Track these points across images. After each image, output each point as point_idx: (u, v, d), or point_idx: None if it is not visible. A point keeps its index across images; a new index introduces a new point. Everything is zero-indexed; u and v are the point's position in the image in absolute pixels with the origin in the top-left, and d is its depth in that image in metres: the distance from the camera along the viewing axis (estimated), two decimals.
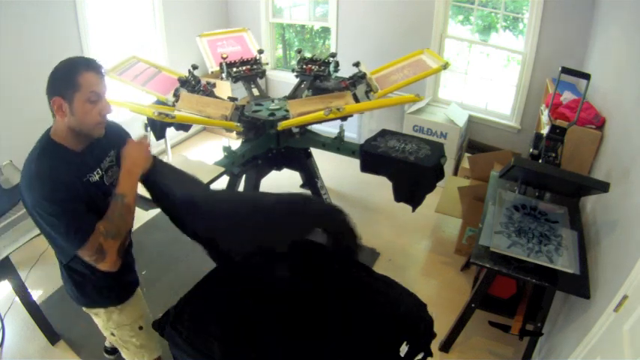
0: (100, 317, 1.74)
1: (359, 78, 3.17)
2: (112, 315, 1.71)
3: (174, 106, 3.00)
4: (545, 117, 2.79)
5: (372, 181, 3.09)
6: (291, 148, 3.22)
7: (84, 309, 1.75)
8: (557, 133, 2.41)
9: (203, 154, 4.59)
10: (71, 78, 1.31)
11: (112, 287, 1.64)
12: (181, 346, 1.79)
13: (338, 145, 3.06)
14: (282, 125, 2.83)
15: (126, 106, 2.69)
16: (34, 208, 1.32)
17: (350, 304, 1.93)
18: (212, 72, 3.43)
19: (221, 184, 3.77)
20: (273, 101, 3.18)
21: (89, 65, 1.34)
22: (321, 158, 3.51)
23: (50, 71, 1.35)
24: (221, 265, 1.68)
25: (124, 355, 1.93)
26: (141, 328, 1.82)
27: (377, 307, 1.92)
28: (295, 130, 3.08)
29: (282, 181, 3.95)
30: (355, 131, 4.58)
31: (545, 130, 2.57)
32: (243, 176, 3.31)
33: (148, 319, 1.81)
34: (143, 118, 3.22)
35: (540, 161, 2.39)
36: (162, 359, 1.95)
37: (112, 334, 1.80)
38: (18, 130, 3.26)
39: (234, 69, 3.32)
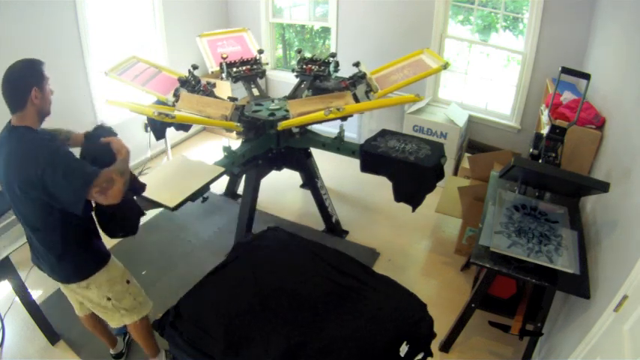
0: (93, 287, 1.89)
1: (359, 78, 3.17)
2: (103, 276, 1.89)
3: (174, 106, 3.00)
4: (545, 117, 2.79)
5: (372, 181, 3.09)
6: (291, 148, 3.22)
7: (76, 288, 1.89)
8: (557, 133, 2.41)
9: (203, 154, 4.59)
10: (41, 72, 1.66)
11: (99, 249, 1.91)
12: (181, 346, 1.80)
13: (338, 145, 3.05)
14: (282, 125, 2.83)
15: (126, 106, 2.69)
16: (50, 163, 1.56)
17: (350, 304, 1.94)
18: (212, 72, 3.43)
19: (221, 184, 3.78)
20: (273, 101, 3.18)
21: (42, 62, 1.69)
22: (321, 158, 3.51)
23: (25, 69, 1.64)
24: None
25: (115, 322, 2.05)
26: (128, 282, 2.02)
27: (377, 307, 1.92)
28: (295, 130, 3.08)
29: (282, 181, 3.96)
30: (355, 131, 4.58)
31: (545, 130, 2.57)
32: (243, 176, 3.31)
33: (129, 274, 2.04)
34: (143, 118, 3.22)
35: (540, 161, 2.39)
36: (149, 318, 2.14)
37: (108, 299, 1.94)
38: None
39: (234, 69, 3.32)
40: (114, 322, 2.05)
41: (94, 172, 1.61)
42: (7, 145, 1.65)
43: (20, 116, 1.65)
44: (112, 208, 1.73)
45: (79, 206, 1.60)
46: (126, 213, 1.91)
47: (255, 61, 3.42)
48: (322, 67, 3.23)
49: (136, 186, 1.91)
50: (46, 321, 2.50)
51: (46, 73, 1.67)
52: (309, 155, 3.38)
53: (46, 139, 1.66)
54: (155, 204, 2.26)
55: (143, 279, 2.21)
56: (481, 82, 4.25)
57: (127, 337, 2.50)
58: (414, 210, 2.77)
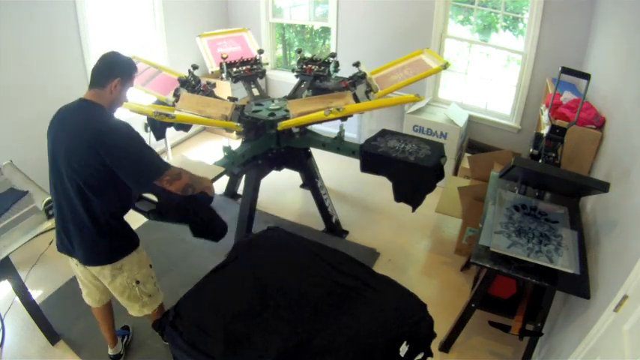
0: (125, 269, 1.98)
1: (359, 78, 3.17)
2: (135, 257, 2.00)
3: (174, 106, 3.00)
4: (545, 117, 2.79)
5: (372, 181, 3.09)
6: (291, 148, 3.22)
7: (109, 269, 1.95)
8: (557, 133, 2.41)
9: (203, 154, 4.59)
10: (132, 72, 1.86)
11: (132, 230, 2.02)
12: (181, 346, 1.79)
13: (338, 145, 3.05)
14: (282, 125, 2.83)
15: (126, 106, 2.68)
16: (133, 140, 1.73)
17: (350, 304, 1.94)
18: (212, 72, 3.43)
19: (221, 184, 3.78)
20: (273, 101, 3.18)
21: (137, 69, 1.91)
22: (321, 158, 3.51)
23: (99, 61, 1.83)
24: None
25: (136, 311, 2.14)
26: (151, 266, 2.13)
27: (377, 307, 1.92)
28: (295, 130, 3.08)
29: (282, 181, 3.96)
30: (355, 131, 4.58)
31: (545, 130, 2.57)
32: (243, 176, 3.31)
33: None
34: (143, 118, 3.22)
35: (540, 161, 2.39)
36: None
37: (137, 282, 2.04)
38: (18, 130, 3.27)
39: (234, 69, 3.32)
40: (135, 311, 2.14)
41: (164, 166, 1.80)
42: (78, 114, 1.75)
43: (96, 93, 1.77)
44: (179, 197, 1.94)
45: (143, 190, 1.89)
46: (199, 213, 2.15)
47: (255, 61, 3.42)
48: (322, 67, 3.23)
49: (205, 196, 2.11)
50: (46, 321, 2.49)
51: (134, 80, 1.90)
52: (309, 155, 3.37)
53: (126, 124, 1.76)
54: (156, 204, 2.27)
55: None
56: (481, 82, 4.25)
57: (126, 340, 2.50)
58: (414, 210, 2.77)
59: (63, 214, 1.89)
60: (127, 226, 1.99)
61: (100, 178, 1.74)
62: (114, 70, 1.78)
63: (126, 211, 1.97)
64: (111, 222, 1.88)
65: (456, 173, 3.98)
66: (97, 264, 1.95)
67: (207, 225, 2.20)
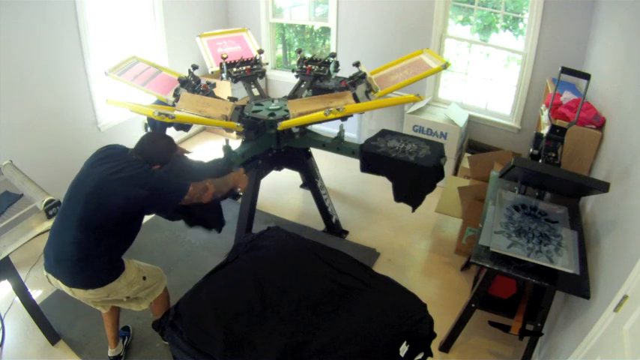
0: (121, 281, 2.02)
1: (359, 78, 3.17)
2: (121, 282, 2.01)
3: (174, 106, 3.00)
4: (545, 117, 2.79)
5: (372, 181, 3.09)
6: (291, 148, 3.22)
7: (95, 294, 1.99)
8: (557, 133, 2.41)
9: (203, 154, 4.58)
10: (169, 159, 2.14)
11: (119, 262, 2.04)
12: (181, 346, 1.80)
13: (338, 145, 3.05)
14: (282, 125, 2.82)
15: (126, 106, 2.69)
16: (158, 182, 1.95)
17: (350, 304, 1.94)
18: (212, 72, 3.43)
19: None
20: (273, 101, 3.18)
21: (176, 149, 2.22)
22: (321, 158, 3.51)
23: (150, 142, 2.10)
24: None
25: (143, 305, 2.21)
26: (145, 278, 2.15)
27: (377, 307, 1.92)
28: (295, 130, 3.07)
29: (282, 181, 3.96)
30: (355, 131, 4.58)
31: (545, 130, 2.57)
32: None
33: (142, 267, 2.20)
34: (143, 118, 3.22)
35: (540, 161, 2.39)
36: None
37: (144, 278, 2.13)
38: (17, 130, 3.27)
39: (234, 69, 3.32)
40: (135, 309, 2.21)
41: (183, 191, 1.99)
42: (120, 160, 1.96)
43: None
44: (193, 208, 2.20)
45: (169, 214, 2.25)
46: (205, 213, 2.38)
47: (255, 61, 3.42)
48: (322, 67, 3.23)
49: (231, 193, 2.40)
50: (46, 321, 2.49)
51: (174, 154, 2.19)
52: (309, 155, 3.37)
53: (160, 172, 2.04)
54: None
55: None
56: (481, 82, 4.25)
57: (126, 341, 2.50)
58: (414, 210, 2.77)
59: (56, 241, 1.96)
60: (120, 255, 2.02)
61: (110, 218, 1.88)
62: (155, 160, 2.06)
63: (126, 243, 2.04)
64: (108, 253, 1.94)
65: (455, 173, 3.99)
66: (81, 287, 1.97)
67: (207, 218, 2.41)
